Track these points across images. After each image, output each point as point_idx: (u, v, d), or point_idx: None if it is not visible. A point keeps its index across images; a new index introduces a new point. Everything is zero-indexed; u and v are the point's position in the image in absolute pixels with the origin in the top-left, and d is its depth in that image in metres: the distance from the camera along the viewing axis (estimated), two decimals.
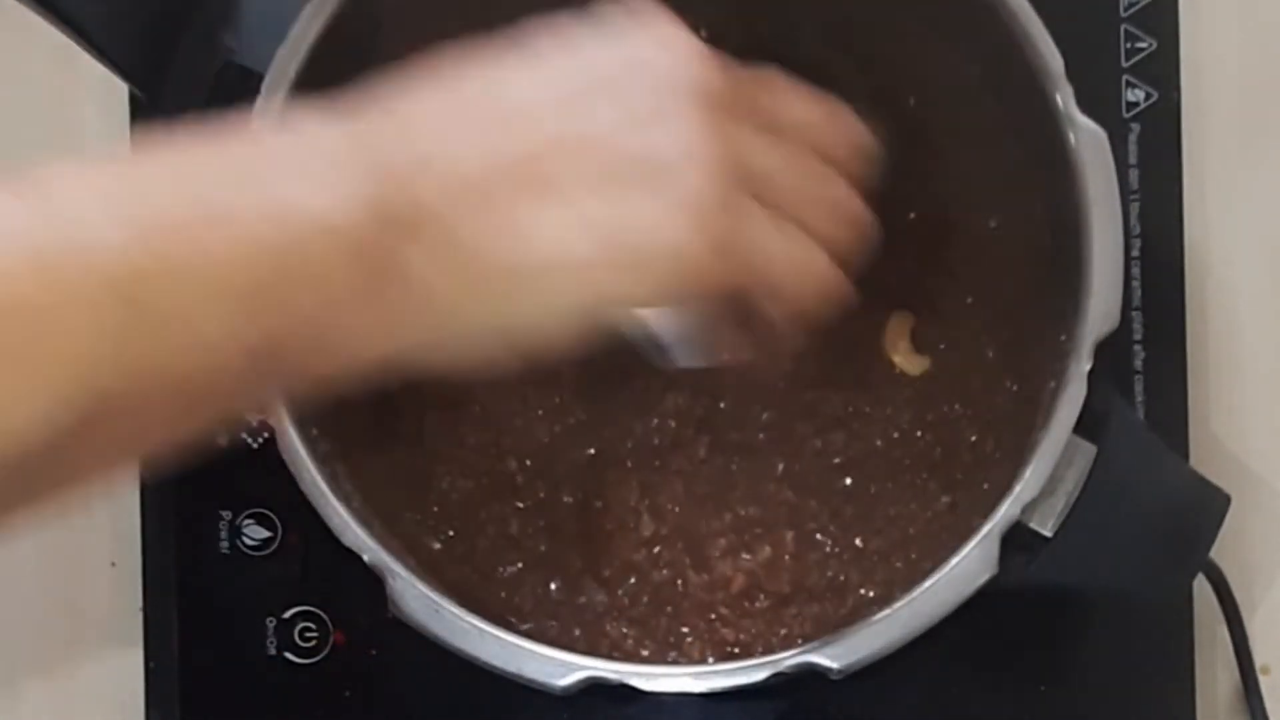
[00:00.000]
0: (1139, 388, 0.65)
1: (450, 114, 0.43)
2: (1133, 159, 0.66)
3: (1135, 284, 0.65)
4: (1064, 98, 0.54)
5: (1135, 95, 0.66)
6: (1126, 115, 0.66)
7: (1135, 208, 0.65)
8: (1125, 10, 0.66)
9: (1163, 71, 0.66)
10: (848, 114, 0.49)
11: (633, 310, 0.48)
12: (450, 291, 0.42)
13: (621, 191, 0.42)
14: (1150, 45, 0.66)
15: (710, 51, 0.44)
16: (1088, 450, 0.52)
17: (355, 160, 0.41)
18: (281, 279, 0.39)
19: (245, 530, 0.64)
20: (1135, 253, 0.65)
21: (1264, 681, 0.64)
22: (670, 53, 0.44)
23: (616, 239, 0.42)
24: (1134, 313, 0.65)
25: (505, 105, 0.43)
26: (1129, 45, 0.66)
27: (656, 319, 0.49)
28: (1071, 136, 0.54)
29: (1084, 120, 0.54)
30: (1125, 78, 0.66)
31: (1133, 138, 0.66)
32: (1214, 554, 0.56)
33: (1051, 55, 0.54)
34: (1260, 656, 0.65)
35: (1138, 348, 0.65)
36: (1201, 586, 0.63)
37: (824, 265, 0.47)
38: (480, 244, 0.41)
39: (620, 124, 0.43)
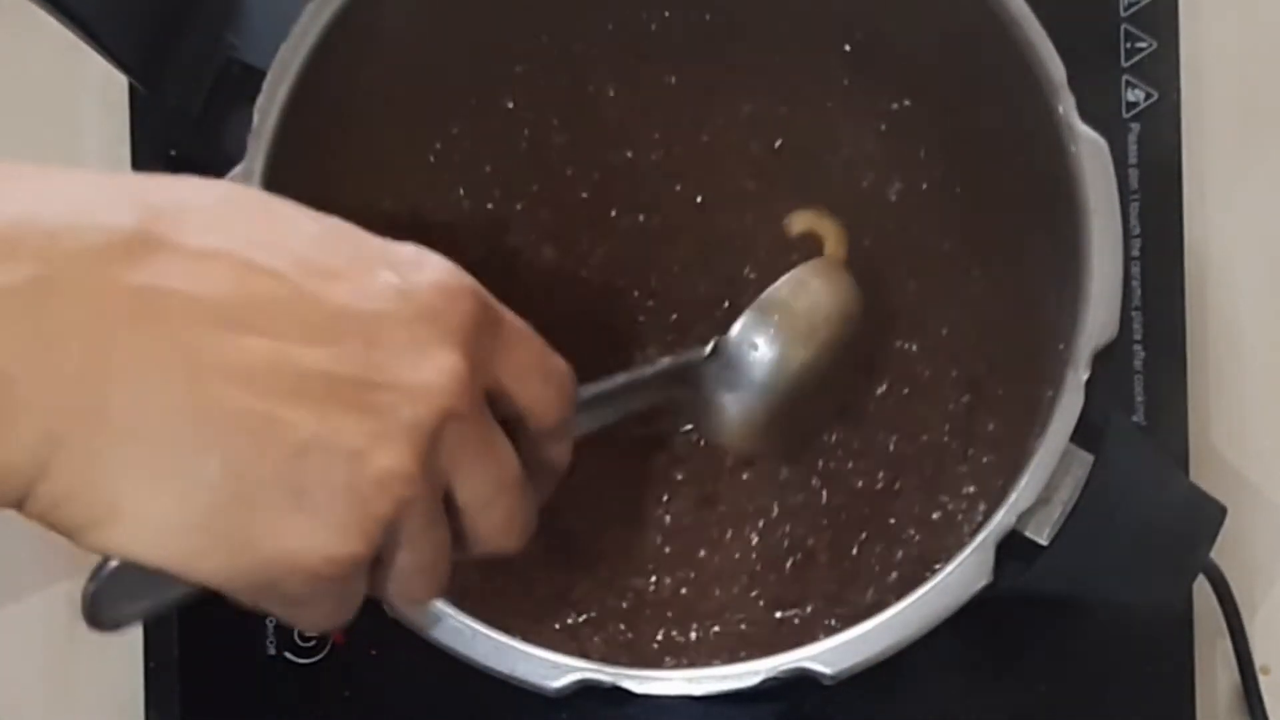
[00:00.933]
0: (1139, 388, 0.65)
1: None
2: (1133, 159, 0.66)
3: (1135, 284, 0.65)
4: (1065, 107, 0.54)
5: (1135, 95, 0.66)
6: (1126, 115, 0.66)
7: (1135, 208, 0.65)
8: (1125, 10, 0.66)
9: (1163, 71, 0.66)
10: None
11: None
12: None
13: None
14: (1150, 45, 0.66)
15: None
16: (1084, 459, 0.52)
17: None
18: None
19: None
20: (1135, 253, 0.65)
21: (1264, 682, 0.65)
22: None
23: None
24: (1134, 313, 0.65)
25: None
26: (1129, 45, 0.66)
27: None
28: (1072, 147, 0.53)
29: (1085, 130, 0.53)
30: (1125, 78, 0.66)
31: (1132, 138, 0.66)
32: (1214, 556, 0.56)
33: (1054, 64, 0.54)
34: (1260, 657, 0.65)
35: (1137, 348, 0.65)
36: (1202, 587, 0.63)
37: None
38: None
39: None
